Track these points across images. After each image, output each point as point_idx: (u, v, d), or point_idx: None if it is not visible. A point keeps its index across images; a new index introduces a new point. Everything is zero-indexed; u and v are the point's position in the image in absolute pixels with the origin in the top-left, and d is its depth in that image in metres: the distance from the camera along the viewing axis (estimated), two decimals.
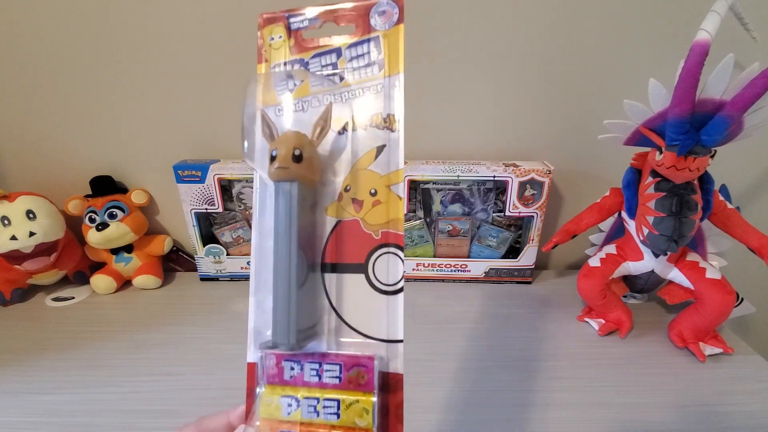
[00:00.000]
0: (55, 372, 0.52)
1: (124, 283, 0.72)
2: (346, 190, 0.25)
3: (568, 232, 0.60)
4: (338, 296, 0.25)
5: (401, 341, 0.24)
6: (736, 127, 0.43)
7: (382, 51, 0.24)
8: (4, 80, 0.66)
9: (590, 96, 0.66)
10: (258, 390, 0.24)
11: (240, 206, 0.70)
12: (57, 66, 0.65)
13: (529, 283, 0.72)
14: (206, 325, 0.61)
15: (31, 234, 0.62)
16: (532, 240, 0.68)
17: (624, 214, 0.57)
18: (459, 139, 0.70)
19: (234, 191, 0.69)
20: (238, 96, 0.26)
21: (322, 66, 0.26)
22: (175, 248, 0.77)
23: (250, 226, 0.70)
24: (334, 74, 0.25)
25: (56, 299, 0.69)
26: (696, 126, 0.43)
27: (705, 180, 0.50)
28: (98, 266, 0.72)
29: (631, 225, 0.55)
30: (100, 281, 0.69)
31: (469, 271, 0.71)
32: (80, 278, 0.73)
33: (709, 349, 0.53)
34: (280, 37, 0.26)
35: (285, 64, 0.26)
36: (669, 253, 0.52)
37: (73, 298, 0.69)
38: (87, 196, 0.70)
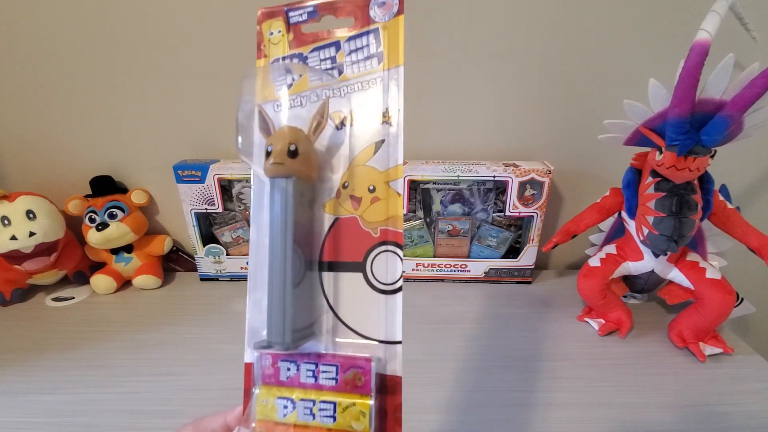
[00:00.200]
0: (55, 372, 0.52)
1: (124, 283, 0.72)
2: (344, 186, 0.25)
3: (568, 232, 0.60)
4: (335, 295, 0.24)
5: (399, 342, 0.23)
6: (736, 127, 0.43)
7: (381, 43, 0.24)
8: (4, 80, 0.66)
9: (590, 96, 0.66)
10: (254, 391, 0.24)
11: (240, 206, 0.70)
12: (57, 66, 0.65)
13: (529, 283, 0.72)
14: (206, 325, 0.61)
15: (31, 234, 0.62)
16: (532, 240, 0.68)
17: (624, 214, 0.57)
18: (459, 139, 0.70)
19: (234, 191, 0.69)
20: (236, 90, 0.25)
21: (321, 60, 0.25)
22: (175, 248, 0.77)
23: (249, 226, 0.70)
24: (332, 68, 0.25)
25: (56, 299, 0.69)
26: (696, 126, 0.43)
27: (705, 180, 0.50)
28: (98, 266, 0.72)
29: (631, 225, 0.55)
30: (100, 281, 0.69)
31: (469, 271, 0.71)
32: (80, 278, 0.73)
33: (709, 349, 0.53)
34: (279, 31, 0.26)
35: (283, 58, 0.26)
36: (669, 253, 0.52)
37: (73, 298, 0.69)
38: (87, 196, 0.70)
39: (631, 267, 0.57)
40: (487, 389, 0.49)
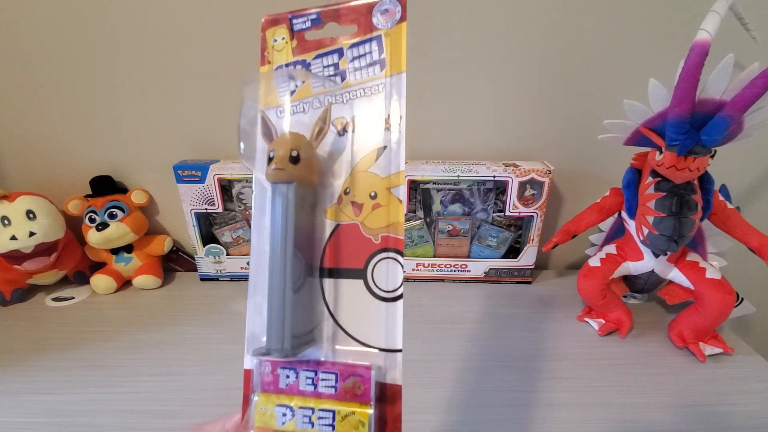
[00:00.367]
0: (55, 372, 0.52)
1: (124, 283, 0.72)
2: (345, 192, 0.25)
3: (568, 232, 0.60)
4: (336, 302, 0.24)
5: (400, 350, 0.23)
6: (736, 127, 0.43)
7: (384, 50, 0.24)
8: (4, 80, 0.66)
9: (590, 96, 0.66)
10: (253, 398, 0.24)
11: (240, 206, 0.70)
12: (57, 66, 0.65)
13: (529, 283, 0.72)
14: (206, 325, 0.61)
15: (31, 234, 0.62)
16: (532, 240, 0.68)
17: (624, 214, 0.57)
18: (459, 139, 0.70)
19: (234, 191, 0.69)
20: (238, 96, 0.26)
21: (324, 66, 0.25)
22: (175, 248, 0.77)
23: (250, 226, 0.70)
24: (335, 75, 0.25)
25: (56, 299, 0.69)
26: (696, 126, 0.43)
27: (705, 180, 0.50)
28: (98, 266, 0.72)
29: (631, 225, 0.55)
30: (100, 281, 0.69)
31: (469, 271, 0.71)
32: (80, 278, 0.73)
33: (709, 349, 0.53)
34: (283, 38, 0.26)
35: (287, 65, 0.26)
36: (669, 253, 0.52)
37: (73, 298, 0.69)
38: (87, 196, 0.70)
39: (631, 267, 0.57)
40: (487, 389, 0.49)
